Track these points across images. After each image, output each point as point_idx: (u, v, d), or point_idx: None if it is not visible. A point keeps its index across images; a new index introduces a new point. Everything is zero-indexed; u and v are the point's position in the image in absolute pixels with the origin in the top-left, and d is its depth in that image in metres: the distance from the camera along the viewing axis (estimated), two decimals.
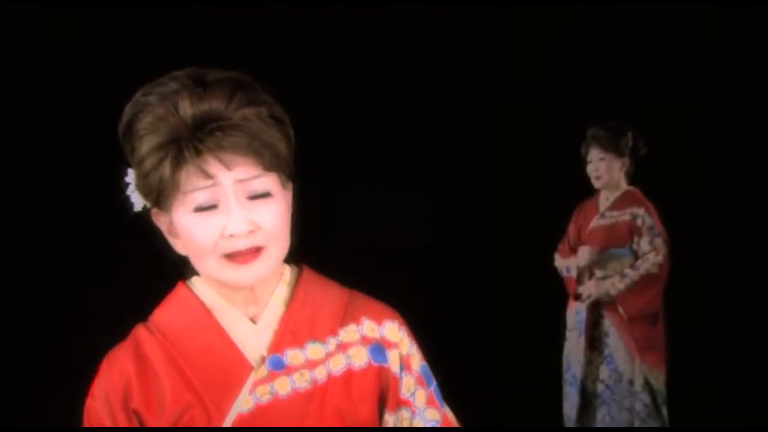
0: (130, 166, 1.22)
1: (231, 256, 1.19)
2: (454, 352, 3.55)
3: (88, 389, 1.24)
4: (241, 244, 1.18)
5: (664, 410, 3.66)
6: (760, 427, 3.95)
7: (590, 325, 3.75)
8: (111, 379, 1.22)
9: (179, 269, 1.28)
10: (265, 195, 1.19)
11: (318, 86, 3.96)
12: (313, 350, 1.24)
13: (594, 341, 3.76)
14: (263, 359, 1.23)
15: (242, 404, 1.21)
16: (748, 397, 4.12)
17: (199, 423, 1.20)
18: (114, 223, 1.61)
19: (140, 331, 1.26)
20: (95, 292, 3.62)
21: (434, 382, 1.32)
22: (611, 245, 3.75)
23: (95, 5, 3.57)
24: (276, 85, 1.23)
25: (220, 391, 1.21)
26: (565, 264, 3.89)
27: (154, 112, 1.15)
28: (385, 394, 1.26)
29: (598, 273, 3.75)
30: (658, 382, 3.66)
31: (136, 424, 1.21)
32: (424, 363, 1.31)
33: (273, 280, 1.27)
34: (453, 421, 1.33)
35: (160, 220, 1.24)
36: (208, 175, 1.15)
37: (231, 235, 1.17)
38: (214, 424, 1.20)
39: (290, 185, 1.26)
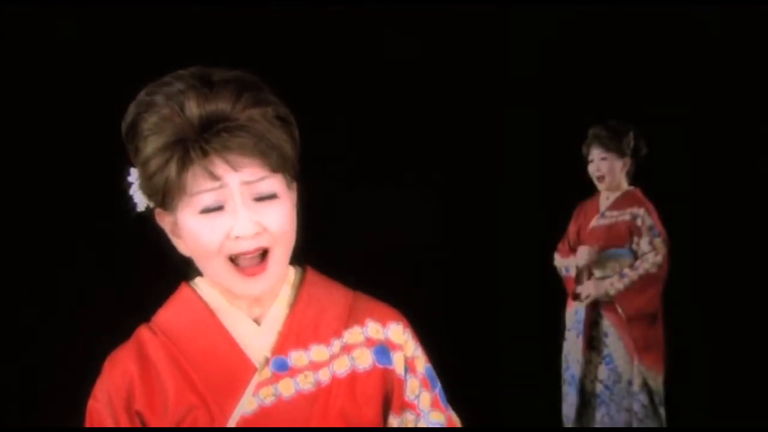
0: (134, 166, 1.21)
1: (237, 262, 1.18)
2: (454, 351, 3.54)
3: (91, 390, 1.23)
4: (247, 246, 1.17)
5: (662, 411, 3.66)
6: (759, 427, 3.95)
7: (589, 325, 3.75)
8: (114, 380, 1.21)
9: (182, 270, 1.28)
10: (272, 197, 1.18)
11: (318, 86, 3.95)
12: (317, 352, 1.24)
13: (593, 341, 3.76)
14: (267, 361, 1.22)
15: (245, 406, 1.20)
16: (746, 398, 4.11)
17: (202, 424, 1.19)
18: (116, 223, 1.59)
19: (143, 332, 1.25)
20: (97, 292, 3.61)
21: (439, 385, 1.31)
22: (611, 245, 3.75)
23: (95, 5, 3.57)
24: (276, 85, 1.22)
25: (223, 392, 1.20)
26: (565, 263, 3.88)
27: (160, 113, 1.14)
28: (389, 397, 1.25)
29: (597, 273, 3.74)
30: (656, 382, 3.65)
31: (138, 426, 1.20)
32: (429, 365, 1.30)
33: (277, 281, 1.26)
34: (457, 425, 1.32)
35: (164, 221, 1.23)
36: (215, 177, 1.14)
37: (237, 237, 1.16)
38: (217, 426, 1.19)
39: (294, 186, 1.25)
